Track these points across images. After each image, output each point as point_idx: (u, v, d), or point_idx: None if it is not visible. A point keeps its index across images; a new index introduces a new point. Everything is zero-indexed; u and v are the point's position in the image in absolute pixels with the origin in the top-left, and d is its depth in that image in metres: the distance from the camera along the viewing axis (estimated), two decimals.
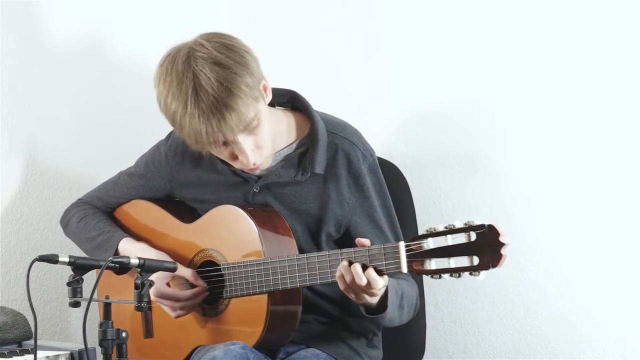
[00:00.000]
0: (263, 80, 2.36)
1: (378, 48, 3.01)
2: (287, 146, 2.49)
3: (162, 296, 2.48)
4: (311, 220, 2.48)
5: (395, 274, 2.41)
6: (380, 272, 2.22)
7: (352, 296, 2.27)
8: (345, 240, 2.47)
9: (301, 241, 2.47)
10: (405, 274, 2.44)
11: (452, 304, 2.91)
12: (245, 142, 2.33)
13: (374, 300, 2.28)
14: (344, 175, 2.47)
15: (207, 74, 2.26)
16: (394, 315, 2.36)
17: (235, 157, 2.37)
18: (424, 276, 2.41)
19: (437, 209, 2.90)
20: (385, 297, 2.29)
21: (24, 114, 2.91)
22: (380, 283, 2.22)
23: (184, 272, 2.48)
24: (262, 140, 2.36)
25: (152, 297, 2.48)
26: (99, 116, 3.08)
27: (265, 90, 2.36)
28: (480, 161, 2.85)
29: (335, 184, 2.47)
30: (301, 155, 2.47)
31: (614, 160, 2.65)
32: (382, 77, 3.00)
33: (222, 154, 2.38)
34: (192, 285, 2.49)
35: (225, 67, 2.28)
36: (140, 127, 3.10)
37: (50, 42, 2.99)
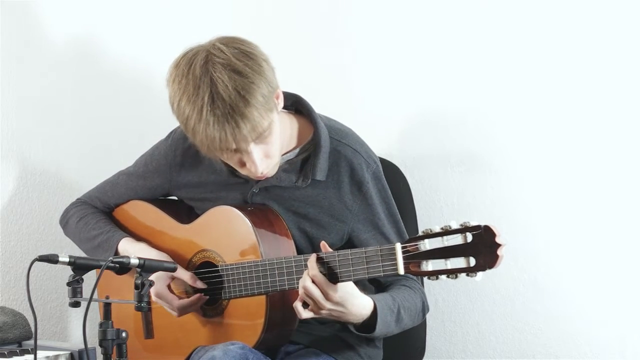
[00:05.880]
0: (278, 88, 2.34)
1: (378, 49, 3.01)
2: (290, 150, 2.48)
3: (162, 298, 2.48)
4: (309, 225, 2.48)
5: (395, 278, 2.45)
6: (335, 278, 2.22)
7: (322, 314, 2.26)
8: (348, 248, 2.44)
9: (298, 245, 2.46)
10: (411, 277, 2.47)
11: (452, 304, 2.91)
12: (255, 151, 2.31)
13: (351, 319, 2.28)
14: (347, 182, 2.46)
15: (225, 81, 2.23)
16: (388, 330, 2.36)
17: (243, 164, 2.36)
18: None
19: (437, 209, 2.90)
20: (374, 315, 2.29)
21: (23, 114, 2.92)
22: (316, 292, 2.21)
23: (183, 275, 2.47)
24: (272, 150, 2.35)
25: (153, 298, 2.48)
26: (98, 116, 3.09)
27: (277, 98, 2.34)
28: (480, 161, 2.84)
29: (337, 190, 2.46)
30: (303, 160, 2.47)
31: (614, 161, 2.65)
32: (383, 78, 3.00)
33: (232, 160, 2.37)
34: (192, 288, 2.49)
35: (244, 75, 2.25)
36: (140, 126, 3.11)
37: (50, 42, 2.99)
